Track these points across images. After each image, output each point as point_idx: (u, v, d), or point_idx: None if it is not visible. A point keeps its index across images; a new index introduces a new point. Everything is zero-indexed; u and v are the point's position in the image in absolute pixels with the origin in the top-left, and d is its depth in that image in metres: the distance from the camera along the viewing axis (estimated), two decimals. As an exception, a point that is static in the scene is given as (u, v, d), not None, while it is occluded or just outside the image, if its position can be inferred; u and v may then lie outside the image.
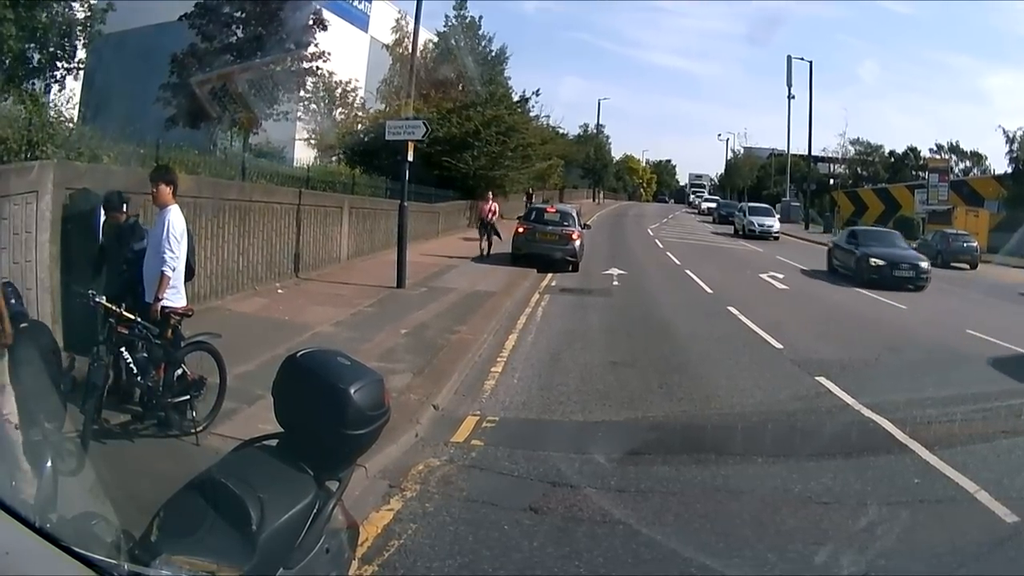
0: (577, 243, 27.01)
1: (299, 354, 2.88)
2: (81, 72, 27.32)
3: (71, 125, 14.76)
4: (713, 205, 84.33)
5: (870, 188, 79.65)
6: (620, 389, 11.80)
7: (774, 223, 54.00)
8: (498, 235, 29.72)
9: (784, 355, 14.64)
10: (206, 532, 2.40)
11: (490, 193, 32.37)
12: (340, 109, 44.16)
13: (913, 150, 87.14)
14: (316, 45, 35.12)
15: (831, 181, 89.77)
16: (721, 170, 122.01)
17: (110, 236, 9.57)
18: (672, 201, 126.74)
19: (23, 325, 6.68)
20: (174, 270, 8.51)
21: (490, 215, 29.86)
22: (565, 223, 27.83)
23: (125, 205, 9.60)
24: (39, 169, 10.50)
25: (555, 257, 26.52)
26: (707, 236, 53.31)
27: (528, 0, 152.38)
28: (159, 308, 8.34)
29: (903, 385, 12.93)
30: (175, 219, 8.55)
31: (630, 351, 14.49)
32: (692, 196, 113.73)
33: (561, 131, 73.70)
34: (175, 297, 8.59)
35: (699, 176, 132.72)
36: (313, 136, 42.99)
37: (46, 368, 7.11)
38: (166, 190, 8.62)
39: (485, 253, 28.89)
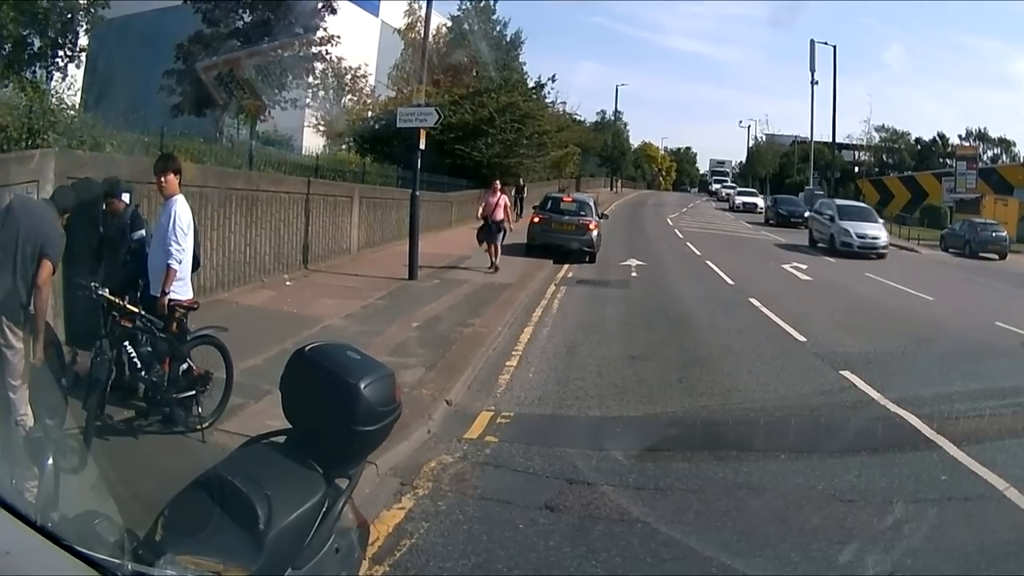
0: (594, 233, 26.90)
1: (308, 348, 2.88)
2: (83, 58, 27.34)
3: (73, 112, 14.80)
4: (754, 200, 71.87)
5: (896, 176, 79.71)
6: (638, 383, 11.78)
7: (880, 233, 36.30)
8: (500, 235, 23.31)
9: (807, 348, 14.59)
10: (212, 531, 2.40)
11: (497, 183, 24.78)
12: (350, 96, 44.12)
13: (942, 136, 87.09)
14: (325, 29, 35.07)
15: (856, 169, 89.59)
16: (742, 157, 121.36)
17: (110, 226, 9.58)
18: (695, 190, 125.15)
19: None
20: (180, 263, 8.50)
21: (498, 212, 23.18)
22: (582, 213, 27.70)
23: (128, 196, 9.61)
24: (40, 158, 10.53)
25: (572, 248, 26.48)
26: (735, 227, 52.25)
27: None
28: (165, 302, 8.35)
29: (930, 379, 12.88)
30: (181, 210, 8.54)
31: (649, 344, 14.47)
32: (714, 185, 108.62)
33: (578, 118, 73.90)
34: (181, 290, 8.59)
35: (721, 162, 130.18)
36: (322, 123, 43.04)
37: (47, 363, 7.16)
38: (174, 179, 8.61)
39: (493, 265, 22.56)
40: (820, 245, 37.84)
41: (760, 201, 71.40)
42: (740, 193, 78.78)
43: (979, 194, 58.64)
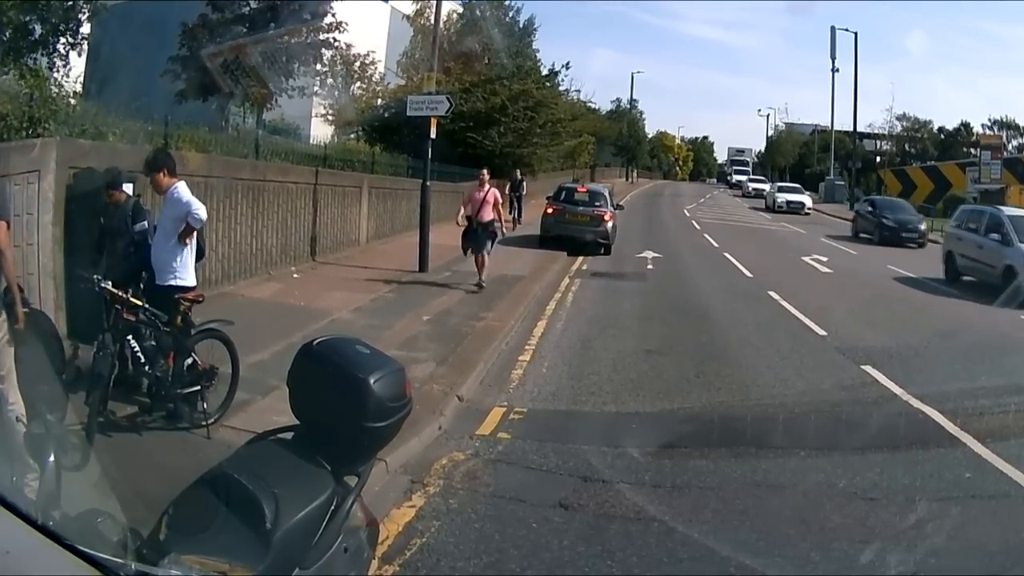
0: (609, 224, 26.87)
1: (316, 342, 2.88)
2: (85, 45, 27.37)
3: (74, 101, 14.82)
4: (801, 198, 58.12)
5: (918, 166, 79.15)
6: (655, 379, 11.76)
7: None
8: (490, 242, 18.43)
9: (828, 342, 14.53)
10: (218, 530, 2.40)
11: (484, 173, 19.47)
12: (359, 83, 44.12)
13: (966, 125, 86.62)
14: (333, 15, 35.04)
15: (877, 159, 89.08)
16: (761, 147, 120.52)
17: (112, 217, 9.60)
18: (713, 181, 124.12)
19: (24, 311, 6.71)
20: (203, 220, 8.73)
21: (486, 212, 18.27)
22: (597, 203, 27.66)
23: (131, 186, 9.63)
24: (41, 147, 10.53)
25: (586, 239, 26.44)
26: (753, 218, 52.03)
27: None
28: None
29: (954, 374, 12.80)
30: (185, 191, 8.59)
31: (665, 338, 14.44)
32: (734, 176, 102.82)
33: (592, 107, 73.69)
34: (187, 276, 8.62)
35: (740, 151, 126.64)
36: (330, 112, 42.98)
37: (47, 358, 7.15)
38: (161, 177, 8.63)
39: (479, 282, 17.84)
40: (967, 278, 24.01)
41: (808, 200, 59.53)
42: (783, 189, 62.06)
43: (1004, 184, 58.25)
